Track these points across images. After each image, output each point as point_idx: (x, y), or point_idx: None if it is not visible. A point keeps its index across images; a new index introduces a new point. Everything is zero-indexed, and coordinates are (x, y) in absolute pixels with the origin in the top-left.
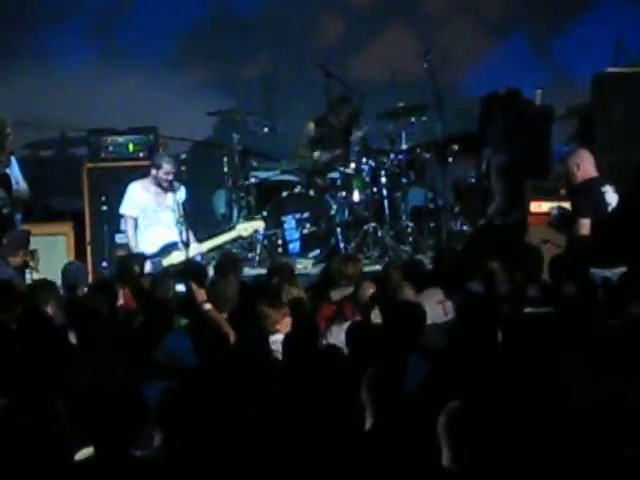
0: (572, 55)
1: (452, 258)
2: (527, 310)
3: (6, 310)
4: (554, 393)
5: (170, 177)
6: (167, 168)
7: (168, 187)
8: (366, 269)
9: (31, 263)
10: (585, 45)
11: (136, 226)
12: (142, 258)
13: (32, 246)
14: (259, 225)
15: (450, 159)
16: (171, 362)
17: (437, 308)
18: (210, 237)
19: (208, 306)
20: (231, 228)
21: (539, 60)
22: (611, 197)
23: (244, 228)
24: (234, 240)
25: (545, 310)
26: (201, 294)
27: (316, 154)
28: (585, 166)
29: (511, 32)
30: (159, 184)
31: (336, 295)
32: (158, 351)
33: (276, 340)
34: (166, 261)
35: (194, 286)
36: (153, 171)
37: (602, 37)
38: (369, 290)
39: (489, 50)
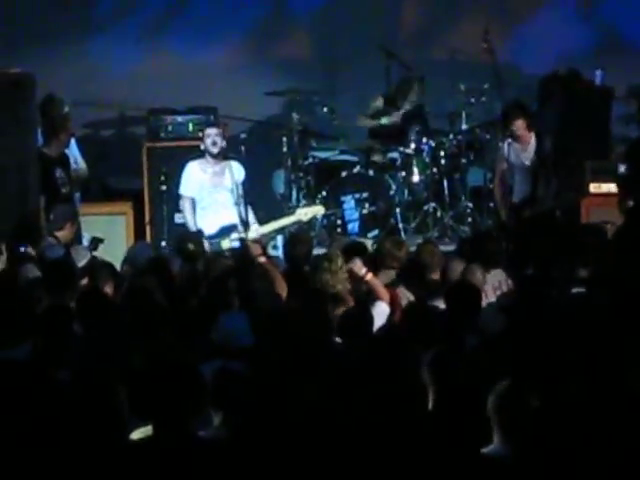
0: (634, 31)
1: (512, 240)
2: (575, 291)
3: (62, 290)
4: (609, 376)
5: (214, 139)
6: (209, 132)
7: (218, 153)
8: None
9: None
10: None
11: (194, 206)
12: (199, 236)
13: (92, 225)
14: (319, 210)
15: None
16: (227, 341)
17: (503, 287)
18: (270, 220)
19: (263, 259)
20: (291, 212)
21: (600, 38)
22: None
23: (304, 213)
24: (293, 224)
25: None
26: (256, 248)
27: (384, 120)
28: None
29: (571, 9)
30: (210, 154)
31: (382, 277)
32: (214, 331)
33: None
34: (224, 243)
35: (249, 242)
36: (202, 146)
37: None
38: (459, 269)
39: (550, 28)
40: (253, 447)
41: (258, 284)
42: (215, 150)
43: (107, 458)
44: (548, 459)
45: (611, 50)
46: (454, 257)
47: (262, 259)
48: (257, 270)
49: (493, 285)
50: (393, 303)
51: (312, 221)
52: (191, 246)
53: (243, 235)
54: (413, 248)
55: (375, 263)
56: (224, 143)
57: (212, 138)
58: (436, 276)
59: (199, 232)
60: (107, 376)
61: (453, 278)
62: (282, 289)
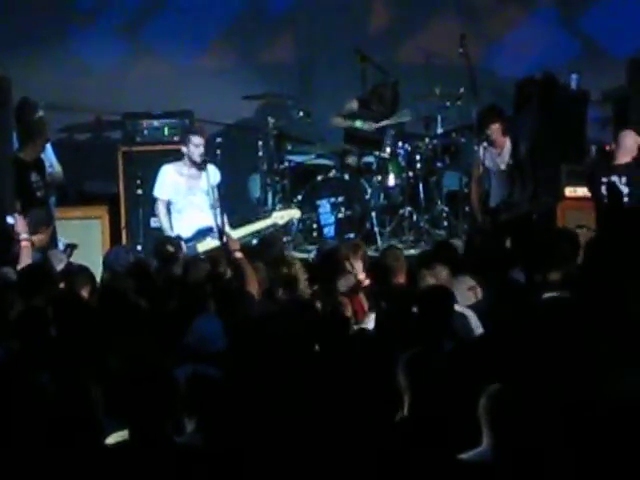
0: (607, 35)
1: (484, 244)
2: (547, 295)
3: (36, 293)
4: (589, 378)
5: (201, 150)
6: (196, 140)
7: (201, 161)
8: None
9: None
10: (620, 26)
11: (169, 209)
12: (178, 240)
13: (67, 229)
14: (295, 213)
15: (485, 144)
16: (201, 346)
17: (469, 294)
18: (245, 223)
19: (239, 254)
20: (267, 215)
21: (574, 42)
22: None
23: (280, 216)
24: (269, 227)
25: (565, 294)
26: (234, 242)
27: (358, 122)
28: None
29: (545, 12)
30: (193, 161)
31: (342, 284)
32: (188, 334)
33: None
34: (201, 246)
35: (230, 234)
36: (184, 149)
37: (637, 17)
38: (444, 273)
39: (523, 32)
40: (228, 452)
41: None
42: (200, 159)
43: (83, 462)
44: (536, 461)
45: (587, 56)
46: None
47: (239, 254)
48: (232, 264)
49: (462, 290)
50: (354, 308)
51: (288, 225)
52: (170, 248)
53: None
54: None
55: (335, 269)
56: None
57: (201, 148)
58: (401, 280)
59: (177, 236)
60: (83, 379)
61: (424, 282)
62: (254, 287)
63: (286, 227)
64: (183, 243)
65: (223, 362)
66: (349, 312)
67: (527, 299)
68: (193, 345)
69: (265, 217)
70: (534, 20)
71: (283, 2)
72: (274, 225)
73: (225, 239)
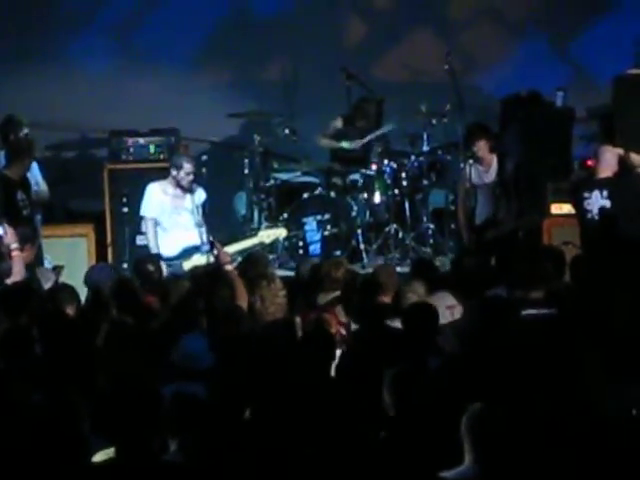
0: (592, 56)
1: (471, 261)
2: (528, 312)
3: (22, 312)
4: (573, 396)
5: (191, 177)
6: (188, 168)
7: (188, 188)
8: None
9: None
10: (605, 46)
11: (156, 227)
12: (157, 258)
13: (53, 247)
14: (282, 232)
15: (471, 161)
16: (187, 363)
17: (446, 313)
18: (232, 241)
19: (229, 267)
20: (253, 234)
21: (559, 61)
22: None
23: (267, 235)
24: (256, 246)
25: (547, 312)
26: (225, 255)
27: (344, 143)
28: None
29: (531, 33)
30: (179, 185)
31: (322, 299)
32: (175, 352)
33: None
34: (187, 264)
35: (220, 246)
36: (173, 172)
37: (623, 38)
38: (420, 290)
39: (510, 51)
40: (212, 471)
41: (221, 293)
42: (188, 185)
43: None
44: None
45: (573, 77)
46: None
47: (229, 267)
48: (223, 277)
49: (441, 308)
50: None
51: (274, 243)
52: (150, 267)
53: (205, 257)
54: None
55: (314, 285)
56: None
57: (190, 176)
58: (387, 299)
59: (157, 255)
60: (69, 397)
61: (405, 300)
62: (244, 300)
63: (272, 245)
64: (166, 262)
65: (210, 380)
66: (333, 328)
67: (507, 317)
68: (179, 363)
69: (252, 236)
70: (520, 38)
71: (269, 21)
72: (261, 244)
73: (216, 252)
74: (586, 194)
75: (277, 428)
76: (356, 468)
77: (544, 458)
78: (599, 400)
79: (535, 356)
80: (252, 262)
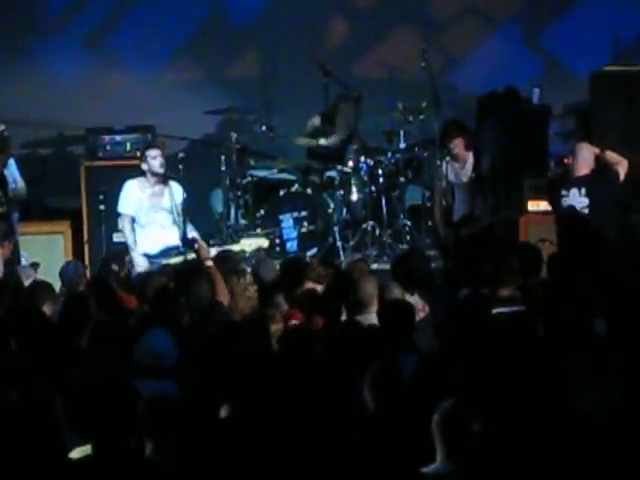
0: (567, 51)
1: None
2: (497, 310)
3: None
4: (549, 393)
5: (160, 160)
6: (152, 153)
7: (163, 172)
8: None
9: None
10: (580, 41)
11: (133, 225)
12: (121, 257)
13: (30, 244)
14: (263, 242)
15: (448, 158)
16: (150, 361)
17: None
18: (213, 246)
19: (210, 263)
20: (235, 241)
21: (535, 57)
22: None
23: (249, 244)
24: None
25: (516, 309)
26: (205, 251)
27: (322, 140)
28: None
29: (507, 29)
30: (155, 174)
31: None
32: (137, 349)
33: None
34: (166, 262)
35: (202, 243)
36: (144, 165)
37: (598, 33)
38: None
39: (486, 48)
40: (189, 470)
41: (201, 288)
42: (162, 170)
43: (46, 477)
44: (491, 476)
45: (549, 72)
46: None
47: (209, 263)
48: (203, 272)
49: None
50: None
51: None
52: (115, 266)
53: (185, 255)
54: None
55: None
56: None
57: (159, 159)
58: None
59: (123, 252)
60: (44, 393)
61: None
62: (224, 295)
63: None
64: (149, 259)
65: (176, 377)
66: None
67: (475, 315)
68: (141, 360)
69: (233, 242)
70: (496, 35)
71: (246, 18)
72: (242, 252)
73: (196, 247)
74: (564, 191)
75: (254, 427)
76: (336, 465)
77: (516, 455)
78: (573, 397)
79: (506, 353)
80: (224, 258)
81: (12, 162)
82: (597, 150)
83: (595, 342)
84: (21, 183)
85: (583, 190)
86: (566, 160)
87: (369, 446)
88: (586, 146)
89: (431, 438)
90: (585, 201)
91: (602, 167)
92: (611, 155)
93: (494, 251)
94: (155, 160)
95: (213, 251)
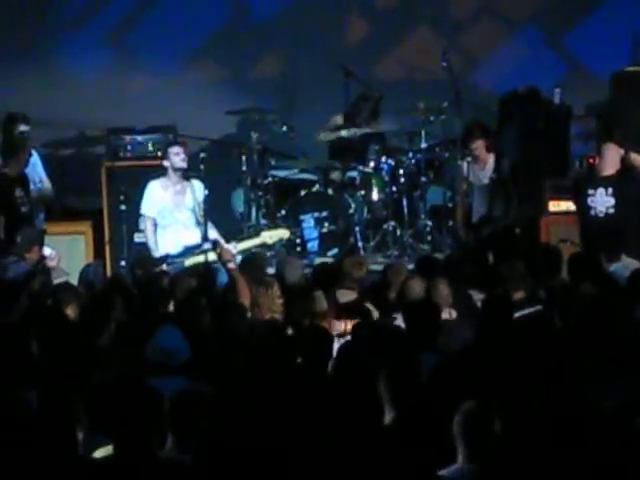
0: (589, 52)
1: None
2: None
3: (10, 312)
4: (571, 394)
5: (182, 156)
6: (174, 149)
7: (185, 167)
8: None
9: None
10: (602, 42)
11: (155, 226)
12: (148, 261)
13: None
14: (284, 234)
15: (468, 159)
16: (161, 358)
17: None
18: (234, 240)
19: (232, 265)
20: (256, 234)
21: (557, 57)
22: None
23: (269, 236)
24: (257, 247)
25: (533, 310)
26: (227, 252)
27: (343, 132)
28: None
29: (529, 30)
30: (177, 169)
31: (342, 297)
32: (149, 347)
33: None
34: (188, 262)
35: (223, 244)
36: (166, 162)
37: (619, 33)
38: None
39: (508, 48)
40: (210, 468)
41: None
42: (185, 165)
43: (64, 477)
44: (512, 477)
45: (570, 73)
46: (412, 275)
47: (231, 265)
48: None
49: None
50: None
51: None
52: (138, 272)
53: (207, 254)
54: (375, 267)
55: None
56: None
57: (181, 155)
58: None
59: (165, 255)
60: (64, 396)
61: (411, 296)
62: (246, 297)
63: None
64: (168, 260)
65: (188, 373)
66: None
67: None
68: (153, 358)
69: (254, 236)
70: (517, 36)
71: (267, 18)
72: (263, 244)
73: (219, 249)
74: (590, 191)
75: (273, 426)
76: (353, 465)
77: (537, 457)
78: (594, 398)
79: (526, 354)
80: (249, 266)
81: (38, 161)
82: (622, 151)
83: (614, 343)
84: (47, 183)
85: (610, 190)
86: (591, 160)
87: (386, 446)
88: (613, 147)
89: (452, 439)
90: (611, 201)
91: (628, 168)
92: (635, 157)
93: (508, 254)
94: (177, 156)
95: (234, 247)
